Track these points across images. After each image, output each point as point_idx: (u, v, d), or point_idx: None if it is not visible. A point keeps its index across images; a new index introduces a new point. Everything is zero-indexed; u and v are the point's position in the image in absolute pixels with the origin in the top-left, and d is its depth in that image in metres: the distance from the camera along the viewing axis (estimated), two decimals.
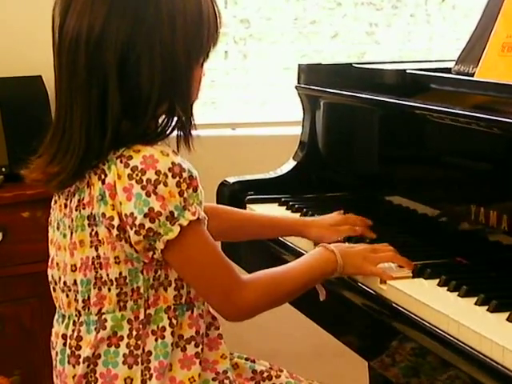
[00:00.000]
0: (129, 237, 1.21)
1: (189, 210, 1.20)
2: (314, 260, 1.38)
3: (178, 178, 1.19)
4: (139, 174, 1.18)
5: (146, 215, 1.18)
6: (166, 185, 1.18)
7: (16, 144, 2.29)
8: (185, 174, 1.20)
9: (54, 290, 1.33)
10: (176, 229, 1.20)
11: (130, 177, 1.18)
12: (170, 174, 1.19)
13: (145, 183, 1.18)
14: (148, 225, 1.19)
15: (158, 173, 1.18)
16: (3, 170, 2.30)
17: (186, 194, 1.20)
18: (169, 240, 1.20)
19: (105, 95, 1.20)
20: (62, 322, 1.30)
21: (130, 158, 1.20)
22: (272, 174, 1.99)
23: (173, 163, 1.19)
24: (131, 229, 1.19)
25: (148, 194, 1.18)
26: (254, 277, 1.31)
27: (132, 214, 1.19)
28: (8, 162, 2.31)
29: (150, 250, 1.22)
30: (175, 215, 1.19)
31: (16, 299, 2.25)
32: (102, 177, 1.21)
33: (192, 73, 1.26)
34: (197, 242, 1.23)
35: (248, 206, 1.87)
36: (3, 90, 2.35)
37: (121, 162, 1.20)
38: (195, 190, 1.21)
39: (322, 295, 1.43)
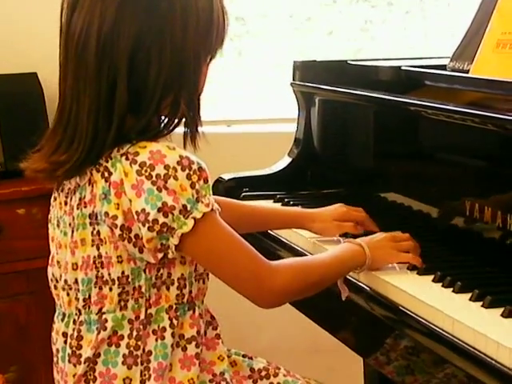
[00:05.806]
0: (135, 236, 1.19)
1: (202, 202, 1.19)
2: (343, 252, 1.37)
3: (187, 171, 1.18)
4: (148, 170, 1.17)
5: (159, 210, 1.17)
6: (176, 178, 1.17)
7: (11, 141, 2.29)
8: (194, 166, 1.19)
9: (55, 287, 1.31)
10: (190, 222, 1.19)
11: (138, 173, 1.17)
12: (179, 168, 1.18)
13: (154, 179, 1.17)
14: (162, 219, 1.17)
15: (166, 167, 1.17)
16: None
17: (197, 186, 1.19)
18: (183, 233, 1.19)
19: (113, 87, 1.19)
20: (62, 320, 1.29)
21: (137, 154, 1.18)
22: (267, 171, 1.99)
23: (180, 156, 1.18)
24: (144, 225, 1.18)
25: (159, 189, 1.17)
26: (284, 262, 1.31)
27: (144, 210, 1.17)
28: (4, 159, 2.31)
29: (161, 250, 1.20)
30: (188, 208, 1.18)
31: (11, 296, 2.25)
32: (106, 174, 1.20)
33: (200, 70, 1.25)
34: (213, 232, 1.22)
35: None
36: None
37: (126, 159, 1.18)
38: (206, 181, 1.20)
39: (345, 293, 1.40)
